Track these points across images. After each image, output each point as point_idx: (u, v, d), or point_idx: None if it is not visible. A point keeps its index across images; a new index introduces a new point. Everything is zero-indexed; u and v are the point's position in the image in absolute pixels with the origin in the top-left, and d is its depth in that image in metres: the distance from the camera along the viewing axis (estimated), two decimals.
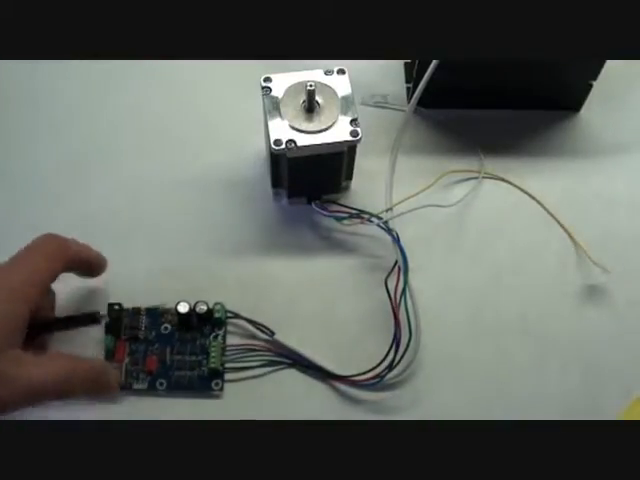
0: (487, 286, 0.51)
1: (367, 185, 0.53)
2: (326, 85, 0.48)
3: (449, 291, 0.50)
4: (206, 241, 0.52)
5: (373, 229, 0.50)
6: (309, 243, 0.52)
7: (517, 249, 0.52)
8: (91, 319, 0.46)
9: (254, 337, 0.48)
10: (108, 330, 0.47)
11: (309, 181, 0.50)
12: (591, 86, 0.55)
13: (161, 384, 0.46)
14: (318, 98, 0.47)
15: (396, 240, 0.49)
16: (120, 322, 0.48)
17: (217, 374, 0.47)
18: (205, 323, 0.48)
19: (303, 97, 0.47)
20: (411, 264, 0.48)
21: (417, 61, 0.53)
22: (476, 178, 0.54)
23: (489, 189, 0.54)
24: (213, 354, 0.47)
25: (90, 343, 0.47)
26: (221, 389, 0.47)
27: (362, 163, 0.51)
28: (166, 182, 0.54)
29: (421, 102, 0.51)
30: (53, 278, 0.43)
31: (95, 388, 0.44)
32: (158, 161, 0.55)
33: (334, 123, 0.47)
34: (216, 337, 0.48)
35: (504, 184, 0.54)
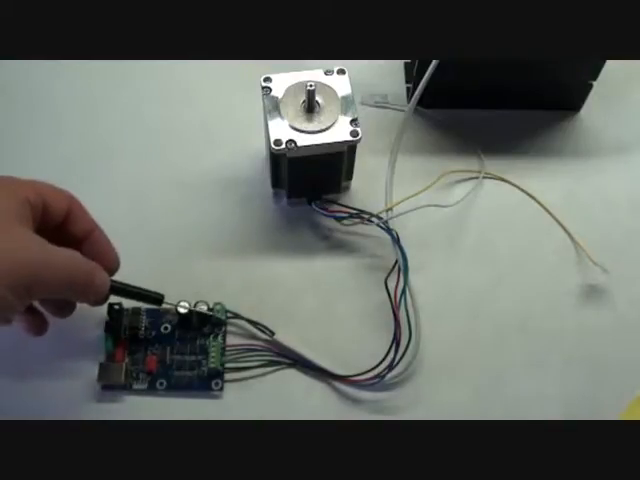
0: (487, 286, 0.51)
1: (367, 185, 0.53)
2: (326, 85, 0.48)
3: (449, 291, 0.50)
4: (206, 241, 0.52)
5: (373, 229, 0.50)
6: (309, 243, 0.52)
7: (517, 249, 0.52)
8: (155, 300, 0.46)
9: (254, 337, 0.48)
10: (108, 330, 0.47)
11: (309, 181, 0.50)
12: (591, 86, 0.55)
13: (161, 384, 0.46)
14: (318, 98, 0.47)
15: (396, 240, 0.49)
16: (120, 322, 0.48)
17: (217, 374, 0.47)
18: (205, 323, 0.48)
19: (303, 97, 0.47)
20: (411, 264, 0.48)
21: (417, 61, 0.53)
22: (476, 178, 0.54)
23: (489, 189, 0.54)
24: (213, 354, 0.47)
25: (90, 343, 0.47)
26: (221, 389, 0.47)
27: (362, 163, 0.51)
28: (166, 182, 0.54)
29: (421, 102, 0.51)
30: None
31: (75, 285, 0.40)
32: (158, 161, 0.54)
33: (334, 123, 0.47)
34: (216, 337, 0.48)
35: (504, 184, 0.54)
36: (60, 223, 0.42)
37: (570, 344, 0.49)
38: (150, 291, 0.46)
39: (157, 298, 0.46)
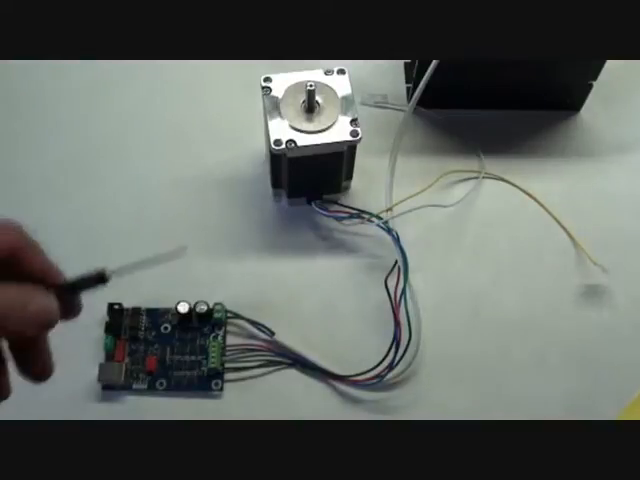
0: (487, 286, 0.51)
1: (367, 185, 0.53)
2: (326, 85, 0.48)
3: (449, 291, 0.50)
4: (206, 241, 0.52)
5: (373, 229, 0.50)
6: (309, 243, 0.52)
7: (517, 249, 0.52)
8: (99, 279, 0.38)
9: (254, 337, 0.48)
10: (108, 330, 0.47)
11: (309, 181, 0.50)
12: (591, 86, 0.55)
13: (161, 384, 0.46)
14: (318, 98, 0.47)
15: (396, 240, 0.49)
16: (120, 322, 0.48)
17: (217, 374, 0.47)
18: (205, 323, 0.48)
19: (303, 97, 0.47)
20: (411, 264, 0.48)
21: (417, 61, 0.53)
22: (476, 178, 0.54)
23: (489, 189, 0.54)
24: (213, 354, 0.47)
25: (90, 343, 0.47)
26: (221, 389, 0.47)
27: (362, 163, 0.51)
28: (166, 182, 0.54)
29: (421, 102, 0.51)
30: None
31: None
32: (158, 161, 0.55)
33: (334, 123, 0.47)
34: (216, 337, 0.48)
35: (504, 184, 0.54)
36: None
37: (570, 344, 0.49)
38: (92, 273, 0.38)
39: (101, 276, 0.38)
